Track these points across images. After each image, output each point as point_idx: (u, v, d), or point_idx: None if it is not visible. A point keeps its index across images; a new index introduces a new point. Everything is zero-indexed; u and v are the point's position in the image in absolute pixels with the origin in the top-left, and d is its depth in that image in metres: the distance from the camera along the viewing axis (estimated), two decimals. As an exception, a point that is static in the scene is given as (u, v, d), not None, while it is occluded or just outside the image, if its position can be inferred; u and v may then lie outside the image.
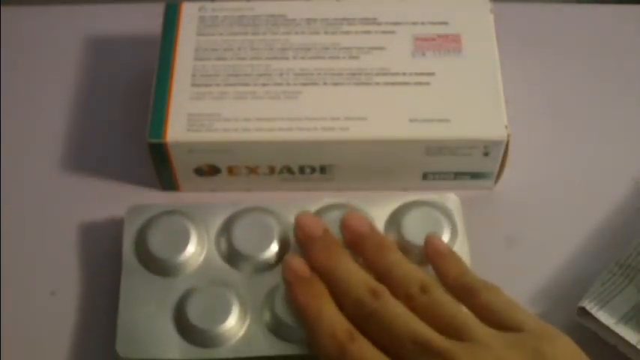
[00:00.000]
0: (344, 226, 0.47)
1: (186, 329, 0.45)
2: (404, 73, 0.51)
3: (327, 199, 0.50)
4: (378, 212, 0.49)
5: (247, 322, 0.46)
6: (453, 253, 0.47)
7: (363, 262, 0.46)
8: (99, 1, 0.61)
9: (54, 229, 0.51)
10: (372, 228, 0.47)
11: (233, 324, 0.45)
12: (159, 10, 0.54)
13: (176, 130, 0.49)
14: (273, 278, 0.47)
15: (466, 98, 0.50)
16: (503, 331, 0.42)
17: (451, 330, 0.42)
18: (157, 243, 0.47)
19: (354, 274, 0.45)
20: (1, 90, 0.56)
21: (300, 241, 0.47)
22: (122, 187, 0.53)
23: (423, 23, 0.53)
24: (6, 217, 0.52)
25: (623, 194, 0.52)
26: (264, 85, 0.51)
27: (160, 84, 0.51)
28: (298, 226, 0.47)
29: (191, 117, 0.50)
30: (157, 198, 0.52)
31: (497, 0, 0.53)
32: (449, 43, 0.52)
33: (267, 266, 0.47)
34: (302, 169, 0.51)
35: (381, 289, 0.44)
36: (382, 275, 0.45)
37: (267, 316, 0.46)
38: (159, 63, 0.52)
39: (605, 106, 0.56)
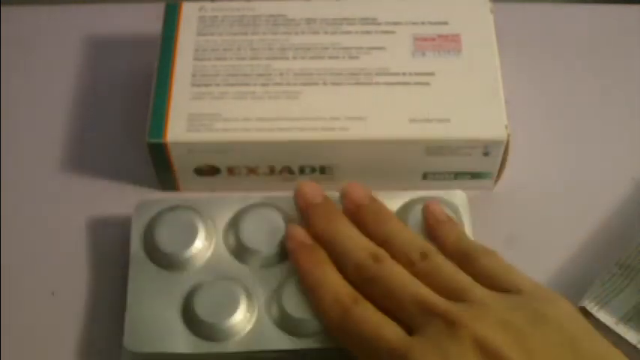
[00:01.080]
0: (344, 195, 0.47)
1: (194, 323, 0.45)
2: (404, 73, 0.51)
3: (334, 192, 0.49)
4: None
5: (255, 317, 0.46)
6: (451, 220, 0.47)
7: (363, 231, 0.46)
8: (99, 1, 0.61)
9: (53, 229, 0.51)
10: (372, 197, 0.47)
11: (241, 318, 0.45)
12: (159, 10, 0.54)
13: (176, 130, 0.49)
14: (281, 273, 0.47)
15: (466, 98, 0.50)
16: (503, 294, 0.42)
17: (452, 293, 0.42)
18: (164, 238, 0.47)
19: (355, 239, 0.45)
20: (1, 90, 0.56)
21: (301, 209, 0.47)
22: (122, 187, 0.53)
23: (422, 23, 0.53)
24: (5, 217, 0.52)
25: (623, 194, 0.52)
26: (264, 85, 0.51)
27: (160, 84, 0.51)
28: (298, 194, 0.47)
29: (191, 117, 0.50)
30: (156, 198, 0.52)
31: (497, 0, 0.53)
32: (449, 43, 0.52)
33: (275, 261, 0.47)
34: (302, 169, 0.51)
35: (383, 253, 0.44)
36: (382, 243, 0.45)
37: (274, 310, 0.46)
38: (159, 63, 0.52)
39: (605, 106, 0.56)
